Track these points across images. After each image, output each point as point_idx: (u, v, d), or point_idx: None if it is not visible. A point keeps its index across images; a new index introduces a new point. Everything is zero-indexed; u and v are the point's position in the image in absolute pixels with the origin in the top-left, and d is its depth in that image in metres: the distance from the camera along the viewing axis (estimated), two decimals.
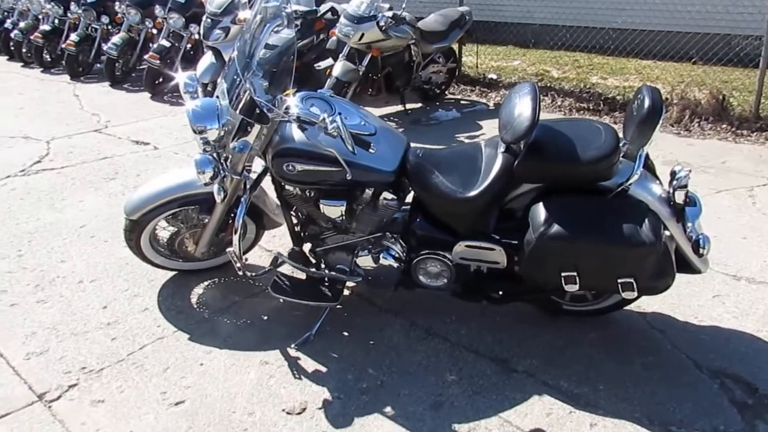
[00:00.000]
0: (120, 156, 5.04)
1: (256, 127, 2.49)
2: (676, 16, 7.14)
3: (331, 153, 2.38)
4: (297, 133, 2.46)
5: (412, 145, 2.68)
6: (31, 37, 8.37)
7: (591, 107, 6.04)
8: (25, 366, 2.54)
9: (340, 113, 2.42)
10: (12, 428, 2.22)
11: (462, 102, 6.55)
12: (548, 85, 6.69)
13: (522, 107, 2.32)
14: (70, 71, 7.92)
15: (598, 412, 2.26)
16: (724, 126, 5.26)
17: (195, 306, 2.94)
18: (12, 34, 8.85)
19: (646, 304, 2.81)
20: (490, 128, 5.43)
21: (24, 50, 8.84)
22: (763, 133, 5.08)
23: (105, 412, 2.30)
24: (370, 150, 2.43)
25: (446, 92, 6.69)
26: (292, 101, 2.42)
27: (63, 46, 7.92)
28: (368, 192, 2.57)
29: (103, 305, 2.95)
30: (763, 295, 2.90)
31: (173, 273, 3.16)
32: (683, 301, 2.86)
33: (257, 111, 2.43)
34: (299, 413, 2.29)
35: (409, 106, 6.13)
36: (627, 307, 2.73)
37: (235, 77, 2.50)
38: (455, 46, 6.60)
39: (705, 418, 2.22)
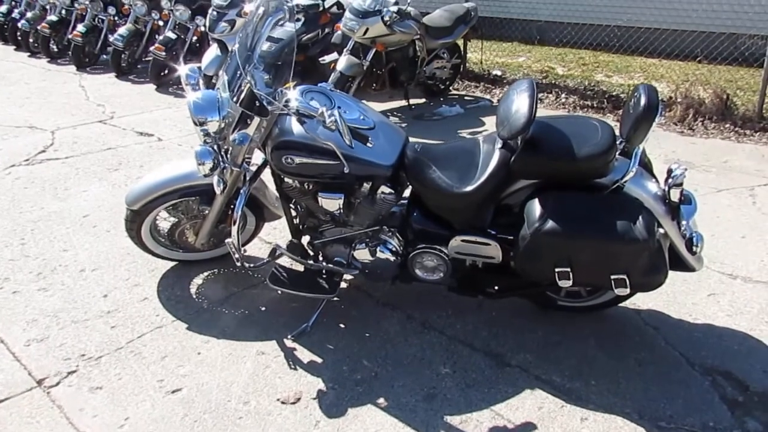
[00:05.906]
0: (124, 147, 5.07)
1: (256, 120, 2.50)
2: (682, 14, 7.11)
3: (329, 146, 2.40)
4: (296, 126, 2.47)
5: (412, 140, 2.70)
6: (38, 27, 8.40)
7: (595, 105, 6.03)
8: (25, 352, 2.58)
9: (339, 107, 2.45)
10: (11, 413, 2.26)
11: (466, 98, 6.56)
12: (553, 82, 6.68)
13: (519, 103, 2.33)
14: (77, 62, 7.95)
15: (589, 407, 2.29)
16: (727, 125, 5.25)
17: (194, 296, 2.97)
18: (19, 24, 8.88)
19: (641, 301, 2.83)
20: (493, 124, 5.31)
21: (31, 40, 8.88)
22: (766, 133, 5.07)
23: (103, 399, 2.34)
24: (368, 144, 2.46)
25: (450, 88, 6.69)
26: (292, 94, 2.43)
27: (70, 36, 7.95)
28: (366, 186, 2.59)
29: (103, 294, 2.98)
30: (757, 294, 2.91)
31: (173, 263, 3.19)
32: (678, 298, 2.88)
33: (257, 103, 2.45)
34: (293, 403, 2.32)
35: (412, 101, 6.14)
36: (622, 304, 2.75)
37: (237, 70, 2.52)
38: (460, 42, 6.60)
39: (695, 415, 2.24)
